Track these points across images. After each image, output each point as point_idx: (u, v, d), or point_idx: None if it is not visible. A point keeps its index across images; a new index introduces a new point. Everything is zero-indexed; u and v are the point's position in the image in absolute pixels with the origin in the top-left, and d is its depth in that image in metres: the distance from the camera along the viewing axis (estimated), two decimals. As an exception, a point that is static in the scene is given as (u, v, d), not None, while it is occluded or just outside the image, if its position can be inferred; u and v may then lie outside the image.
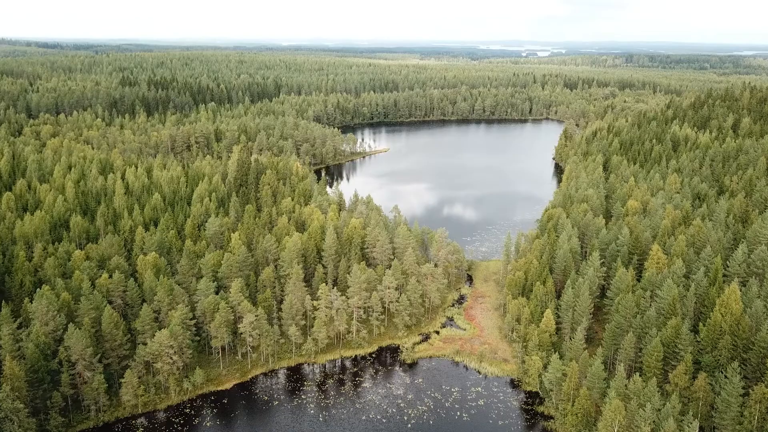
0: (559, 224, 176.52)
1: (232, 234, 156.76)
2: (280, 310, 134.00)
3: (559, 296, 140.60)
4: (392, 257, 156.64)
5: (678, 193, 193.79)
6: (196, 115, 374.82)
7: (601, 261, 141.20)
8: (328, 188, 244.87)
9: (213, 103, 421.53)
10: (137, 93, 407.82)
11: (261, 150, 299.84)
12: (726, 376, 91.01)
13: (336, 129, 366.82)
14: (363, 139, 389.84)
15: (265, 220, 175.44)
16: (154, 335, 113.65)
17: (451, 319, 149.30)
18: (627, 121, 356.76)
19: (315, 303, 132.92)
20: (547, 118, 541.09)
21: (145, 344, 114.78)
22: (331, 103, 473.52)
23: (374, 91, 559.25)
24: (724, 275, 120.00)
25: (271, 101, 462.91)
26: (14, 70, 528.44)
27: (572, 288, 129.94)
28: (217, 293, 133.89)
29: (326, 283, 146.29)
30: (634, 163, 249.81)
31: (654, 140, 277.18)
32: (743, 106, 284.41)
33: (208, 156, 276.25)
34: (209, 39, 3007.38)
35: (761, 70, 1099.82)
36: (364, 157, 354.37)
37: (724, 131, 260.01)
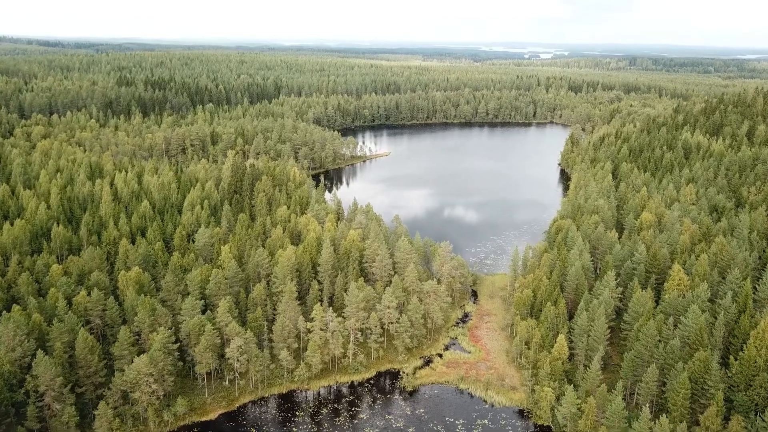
0: (569, 237, 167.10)
1: (222, 247, 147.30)
2: (270, 331, 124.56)
3: (571, 317, 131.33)
4: (393, 273, 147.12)
5: (694, 204, 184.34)
6: (193, 116, 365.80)
7: (617, 280, 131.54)
8: (326, 194, 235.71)
9: (211, 104, 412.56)
10: (134, 93, 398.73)
11: (258, 154, 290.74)
12: (764, 420, 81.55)
13: (336, 132, 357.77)
14: (363, 142, 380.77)
15: (259, 230, 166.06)
16: (133, 361, 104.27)
17: (454, 340, 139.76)
18: (635, 126, 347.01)
19: (309, 325, 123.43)
20: (551, 122, 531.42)
21: (122, 371, 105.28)
22: (332, 104, 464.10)
23: (376, 93, 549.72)
24: (754, 300, 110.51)
25: (270, 102, 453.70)
26: (10, 68, 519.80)
27: (586, 311, 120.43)
28: (204, 312, 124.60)
29: (321, 302, 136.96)
30: (645, 171, 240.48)
31: (665, 147, 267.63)
32: (757, 112, 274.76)
33: (203, 160, 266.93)
34: (212, 39, 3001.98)
35: (766, 74, 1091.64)
36: (364, 161, 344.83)
37: (738, 139, 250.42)
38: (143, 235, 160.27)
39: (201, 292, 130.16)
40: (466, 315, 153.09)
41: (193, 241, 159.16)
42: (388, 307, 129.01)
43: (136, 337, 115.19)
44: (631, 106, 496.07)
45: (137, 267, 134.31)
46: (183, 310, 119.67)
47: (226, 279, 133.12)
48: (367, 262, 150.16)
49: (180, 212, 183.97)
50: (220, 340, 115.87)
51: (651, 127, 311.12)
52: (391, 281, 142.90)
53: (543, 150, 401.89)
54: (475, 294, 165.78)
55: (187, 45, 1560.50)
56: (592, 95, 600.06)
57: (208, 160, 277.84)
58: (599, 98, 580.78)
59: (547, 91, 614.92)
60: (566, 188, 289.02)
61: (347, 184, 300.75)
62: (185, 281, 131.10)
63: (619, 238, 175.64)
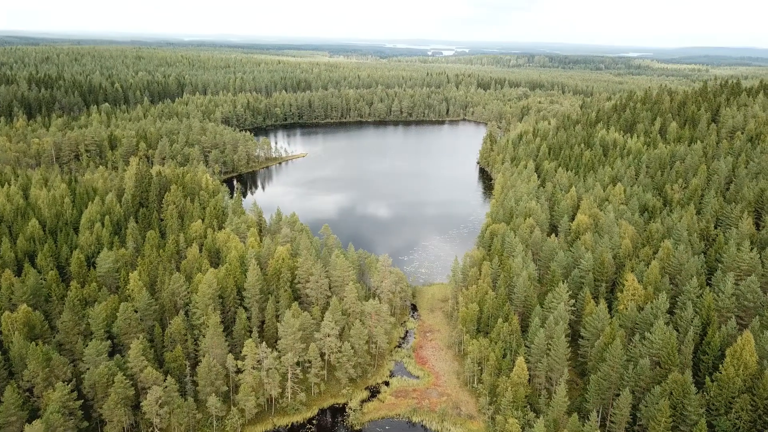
0: (507, 244, 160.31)
1: (130, 273, 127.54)
2: (194, 373, 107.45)
3: (523, 331, 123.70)
4: (329, 293, 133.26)
5: (624, 204, 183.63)
6: (86, 118, 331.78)
7: (568, 292, 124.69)
8: (243, 202, 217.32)
9: (107, 104, 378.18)
10: (15, 92, 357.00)
11: (163, 159, 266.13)
12: (753, 449, 75.92)
13: (248, 132, 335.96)
14: (276, 143, 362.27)
15: (171, 250, 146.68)
16: (23, 429, 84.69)
17: (400, 363, 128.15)
18: (550, 123, 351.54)
19: (239, 363, 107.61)
20: (464, 119, 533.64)
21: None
22: (241, 103, 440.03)
23: (286, 91, 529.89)
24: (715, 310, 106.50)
25: (173, 102, 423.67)
26: None
27: (542, 327, 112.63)
28: (112, 356, 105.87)
29: (250, 332, 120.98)
30: (567, 169, 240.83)
31: (582, 145, 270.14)
32: (665, 109, 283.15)
33: (101, 167, 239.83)
34: (103, 32, 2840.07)
35: (651, 71, 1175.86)
36: (280, 163, 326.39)
37: (651, 136, 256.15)
38: (32, 262, 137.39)
39: (107, 330, 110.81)
40: (407, 333, 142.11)
41: (94, 267, 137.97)
42: (329, 336, 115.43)
43: (27, 395, 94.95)
44: (539, 102, 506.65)
45: (25, 305, 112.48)
46: (86, 356, 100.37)
47: (136, 312, 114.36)
48: (299, 282, 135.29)
49: (77, 231, 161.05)
50: (134, 390, 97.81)
51: (566, 125, 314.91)
52: (328, 303, 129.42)
53: (460, 148, 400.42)
54: (414, 308, 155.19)
55: (75, 39, 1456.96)
56: (501, 92, 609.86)
57: (106, 167, 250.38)
58: (507, 95, 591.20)
59: (457, 88, 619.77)
60: (488, 188, 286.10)
61: (263, 188, 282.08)
62: (87, 319, 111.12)
63: (558, 243, 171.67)
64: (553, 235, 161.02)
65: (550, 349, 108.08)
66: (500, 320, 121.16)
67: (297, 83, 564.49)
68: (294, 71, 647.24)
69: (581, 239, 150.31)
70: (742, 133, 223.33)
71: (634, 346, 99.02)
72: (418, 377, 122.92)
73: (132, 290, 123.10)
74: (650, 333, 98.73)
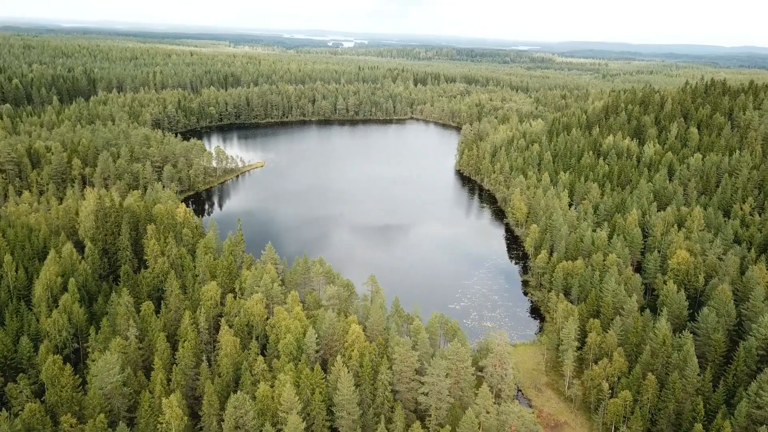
0: (606, 292, 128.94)
1: (163, 397, 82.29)
2: None
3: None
4: (451, 399, 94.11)
5: (703, 230, 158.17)
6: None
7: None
8: (244, 241, 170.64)
9: (7, 105, 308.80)
10: None
11: (105, 179, 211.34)
12: None
13: (198, 141, 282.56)
14: (211, 148, 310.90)
15: (192, 338, 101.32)
16: None
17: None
18: (531, 125, 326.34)
19: None
20: (411, 117, 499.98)
21: None
22: (171, 102, 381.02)
23: (214, 87, 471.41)
24: None
25: (87, 101, 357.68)
26: None
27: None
28: None
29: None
30: (585, 180, 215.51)
31: (591, 152, 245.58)
32: (668, 113, 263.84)
33: (25, 193, 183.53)
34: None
35: (555, 64, 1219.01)
36: (237, 175, 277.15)
37: (668, 143, 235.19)
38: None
39: None
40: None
41: (77, 370, 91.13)
42: (491, 479, 77.58)
43: None
44: (491, 100, 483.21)
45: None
46: None
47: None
48: (399, 380, 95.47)
49: (30, 305, 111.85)
50: None
51: (558, 129, 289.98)
52: (448, 413, 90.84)
53: (424, 150, 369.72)
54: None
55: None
56: (440, 88, 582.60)
57: (31, 192, 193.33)
58: (448, 91, 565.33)
59: (394, 82, 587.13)
60: (488, 201, 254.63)
61: (220, 208, 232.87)
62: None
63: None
64: (670, 281, 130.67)
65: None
66: (698, 426, 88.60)
67: (224, 78, 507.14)
68: (215, 64, 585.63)
69: (718, 289, 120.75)
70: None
71: None
72: None
73: (168, 424, 78.62)
74: None
